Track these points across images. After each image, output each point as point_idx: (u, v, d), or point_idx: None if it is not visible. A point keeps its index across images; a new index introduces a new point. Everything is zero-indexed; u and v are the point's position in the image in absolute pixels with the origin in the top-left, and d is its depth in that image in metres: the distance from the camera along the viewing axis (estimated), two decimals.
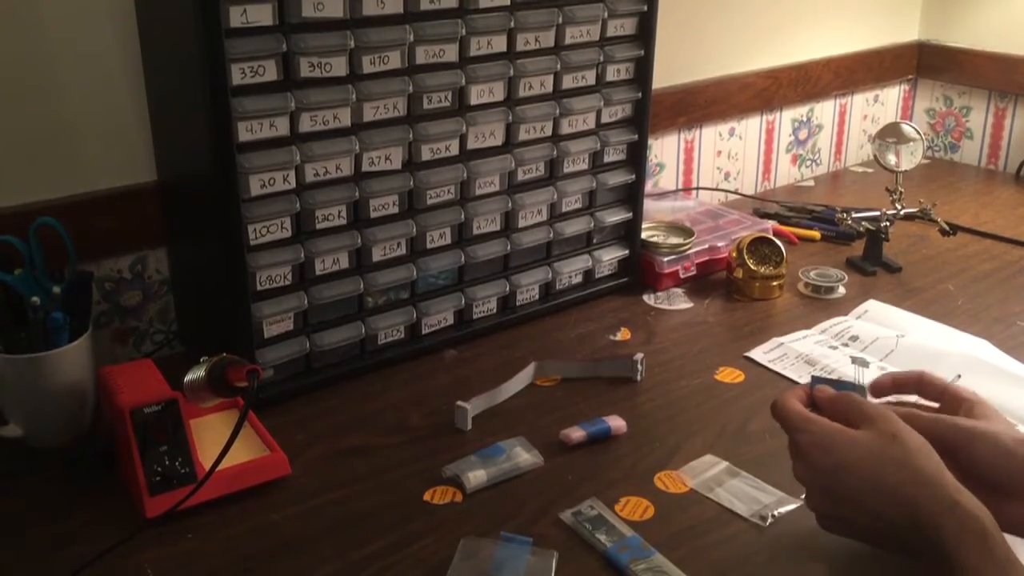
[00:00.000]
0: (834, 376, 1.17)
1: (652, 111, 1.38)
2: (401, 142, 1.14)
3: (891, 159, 1.53)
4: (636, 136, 1.36)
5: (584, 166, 1.33)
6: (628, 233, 1.42)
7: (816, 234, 1.66)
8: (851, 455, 0.78)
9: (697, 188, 1.83)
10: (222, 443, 0.88)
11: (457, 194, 1.21)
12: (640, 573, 0.85)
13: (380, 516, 0.95)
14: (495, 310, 1.31)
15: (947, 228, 1.53)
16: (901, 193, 1.52)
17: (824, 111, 2.02)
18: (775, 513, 0.94)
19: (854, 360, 1.04)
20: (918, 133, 1.53)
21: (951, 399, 0.88)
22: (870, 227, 1.53)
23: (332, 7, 1.04)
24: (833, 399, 0.84)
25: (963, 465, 0.81)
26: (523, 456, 1.02)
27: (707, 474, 1.01)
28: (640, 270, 1.43)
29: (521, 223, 1.29)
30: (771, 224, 1.58)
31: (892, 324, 1.32)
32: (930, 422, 0.83)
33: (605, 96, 1.31)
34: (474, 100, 1.18)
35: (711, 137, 1.81)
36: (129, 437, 0.94)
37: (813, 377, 0.89)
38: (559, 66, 1.24)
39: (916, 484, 0.75)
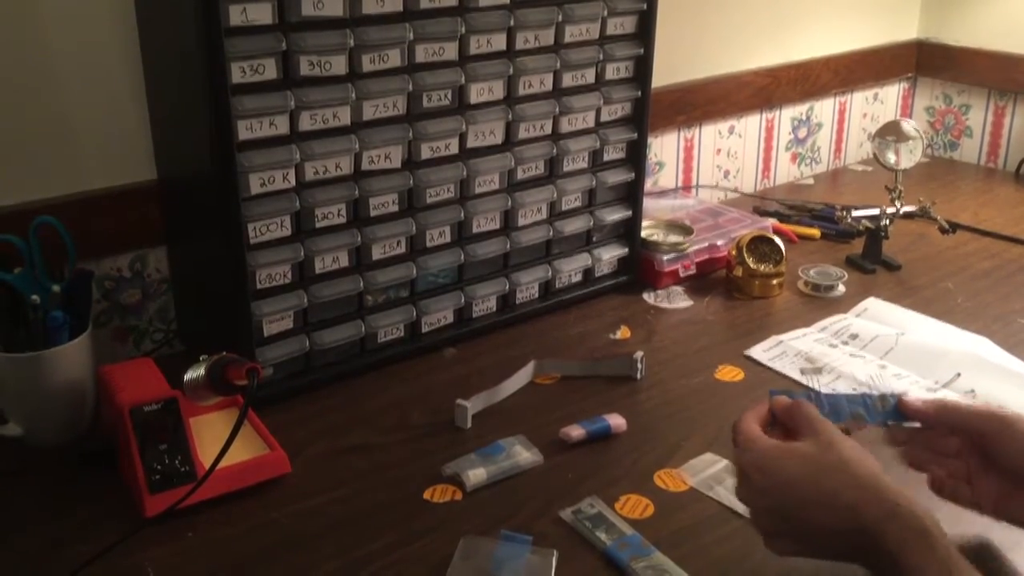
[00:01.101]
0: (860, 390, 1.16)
1: (652, 109, 1.38)
2: (401, 141, 1.14)
3: (891, 157, 1.53)
4: (636, 134, 1.36)
5: (584, 164, 1.33)
6: (628, 231, 1.42)
7: (816, 232, 1.66)
8: (790, 469, 0.77)
9: (697, 186, 1.83)
10: (222, 441, 0.88)
11: (457, 192, 1.21)
12: (640, 571, 0.85)
13: (380, 514, 0.95)
14: (495, 308, 1.31)
15: (947, 226, 1.53)
16: (901, 191, 1.52)
17: (824, 109, 2.01)
18: None
19: (803, 371, 1.06)
20: (918, 131, 1.53)
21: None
22: (870, 225, 1.53)
23: (332, 6, 1.04)
24: (787, 408, 0.83)
25: (993, 453, 0.82)
26: (523, 454, 1.02)
27: (707, 472, 1.01)
28: (640, 268, 1.43)
29: (521, 221, 1.29)
30: (771, 222, 1.58)
31: (892, 322, 1.32)
32: (965, 409, 0.84)
33: (605, 94, 1.31)
34: (474, 98, 1.18)
35: (711, 135, 1.81)
36: (129, 436, 0.94)
37: (771, 391, 0.86)
38: (559, 64, 1.24)
39: (855, 488, 0.74)
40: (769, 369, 1.22)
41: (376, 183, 1.13)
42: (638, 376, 1.19)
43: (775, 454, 0.78)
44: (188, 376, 0.94)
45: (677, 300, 1.41)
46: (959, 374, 1.17)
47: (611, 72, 1.31)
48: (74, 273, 1.07)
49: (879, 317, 1.35)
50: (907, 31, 2.12)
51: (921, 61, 2.13)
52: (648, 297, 1.42)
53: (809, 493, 0.75)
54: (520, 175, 1.27)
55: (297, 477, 1.00)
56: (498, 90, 1.20)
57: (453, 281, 1.26)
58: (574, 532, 0.92)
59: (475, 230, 1.25)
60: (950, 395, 1.14)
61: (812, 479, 0.76)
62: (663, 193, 1.73)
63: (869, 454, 0.77)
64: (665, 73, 1.62)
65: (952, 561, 0.70)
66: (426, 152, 1.16)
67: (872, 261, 1.53)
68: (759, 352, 1.25)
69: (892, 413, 0.86)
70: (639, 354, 1.19)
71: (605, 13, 1.26)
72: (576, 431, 1.06)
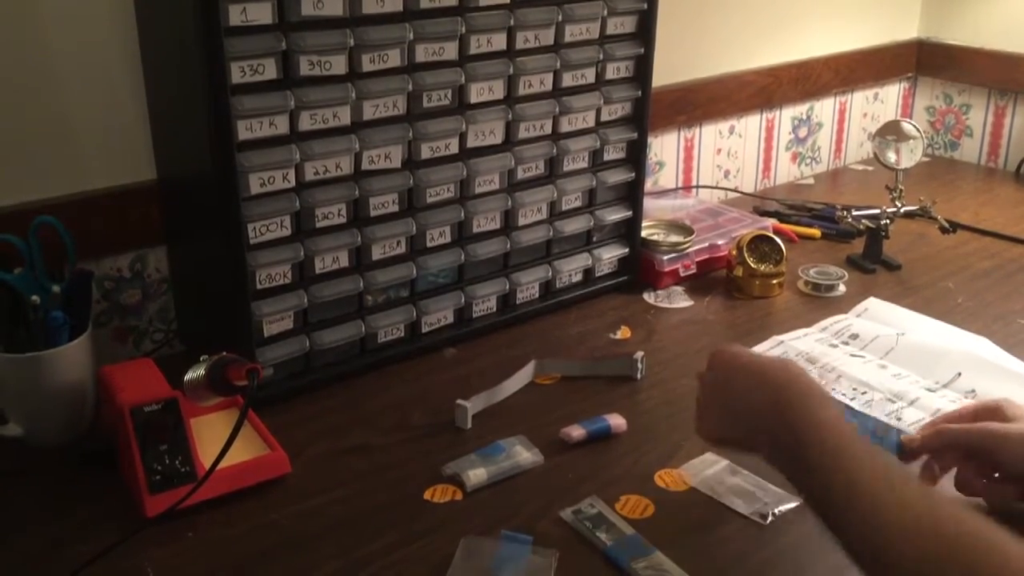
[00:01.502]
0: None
1: (652, 109, 1.37)
2: (401, 140, 1.14)
3: (891, 157, 1.53)
4: (636, 134, 1.36)
5: (584, 164, 1.33)
6: (628, 231, 1.42)
7: (816, 232, 1.65)
8: (745, 351, 0.89)
9: (697, 186, 1.83)
10: (222, 442, 0.88)
11: (457, 192, 1.21)
12: (640, 571, 0.85)
13: (380, 515, 0.95)
14: (495, 308, 1.31)
15: (947, 226, 1.53)
16: (901, 191, 1.52)
17: (824, 109, 2.01)
18: (775, 511, 0.94)
19: (820, 375, 1.08)
20: (918, 131, 1.53)
21: (982, 417, 0.92)
22: (870, 225, 1.53)
23: (332, 5, 1.04)
24: None
25: (998, 466, 0.86)
26: (523, 454, 1.02)
27: (707, 472, 1.01)
28: (640, 268, 1.43)
29: (521, 221, 1.29)
30: (771, 222, 1.58)
31: (892, 322, 1.32)
32: (962, 432, 0.87)
33: (605, 94, 1.30)
34: (474, 98, 1.18)
35: (711, 135, 1.81)
36: (129, 436, 0.94)
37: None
38: (559, 64, 1.24)
39: (787, 374, 0.82)
40: None
41: (376, 183, 1.13)
42: (638, 376, 1.19)
43: (741, 348, 0.90)
44: (188, 376, 0.94)
45: (677, 300, 1.41)
46: (959, 374, 1.17)
47: (611, 72, 1.31)
48: (74, 273, 1.07)
49: (879, 317, 1.34)
50: (907, 30, 2.12)
51: (921, 61, 2.13)
52: (648, 297, 1.42)
53: (748, 366, 0.86)
54: (520, 175, 1.27)
55: (297, 477, 1.00)
56: (498, 90, 1.20)
57: (453, 281, 1.26)
58: (574, 532, 0.92)
59: (475, 230, 1.25)
60: (950, 395, 1.14)
61: (757, 360, 0.87)
62: (663, 193, 1.73)
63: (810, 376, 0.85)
64: (665, 73, 1.62)
65: (855, 445, 0.74)
66: (426, 152, 1.16)
67: (872, 261, 1.53)
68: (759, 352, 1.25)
69: (893, 446, 0.89)
70: (639, 354, 1.19)
71: (605, 13, 1.26)
72: (576, 431, 1.06)
